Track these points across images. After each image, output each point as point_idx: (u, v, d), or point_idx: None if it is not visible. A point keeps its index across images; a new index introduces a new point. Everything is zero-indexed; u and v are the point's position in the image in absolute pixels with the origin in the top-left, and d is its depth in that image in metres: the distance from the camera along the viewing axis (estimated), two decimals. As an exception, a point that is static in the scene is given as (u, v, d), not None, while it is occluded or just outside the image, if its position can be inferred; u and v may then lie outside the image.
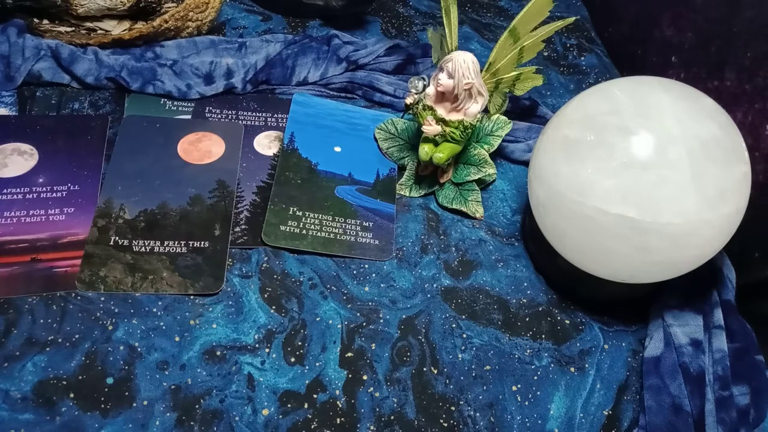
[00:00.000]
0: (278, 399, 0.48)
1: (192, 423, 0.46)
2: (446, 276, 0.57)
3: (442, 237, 0.60)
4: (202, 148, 0.61)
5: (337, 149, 0.64)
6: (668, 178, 0.47)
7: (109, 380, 0.46)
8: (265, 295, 0.53)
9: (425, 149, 0.59)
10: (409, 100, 0.60)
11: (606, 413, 0.53)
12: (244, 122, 0.65)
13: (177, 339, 0.49)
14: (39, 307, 0.48)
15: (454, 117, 0.57)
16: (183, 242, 0.54)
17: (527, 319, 0.56)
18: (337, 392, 0.49)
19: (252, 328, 0.51)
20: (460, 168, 0.63)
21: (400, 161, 0.65)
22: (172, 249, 0.53)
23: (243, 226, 0.56)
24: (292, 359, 0.50)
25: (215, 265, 0.53)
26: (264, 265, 0.54)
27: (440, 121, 0.58)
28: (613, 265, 0.52)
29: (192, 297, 0.51)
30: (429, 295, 0.56)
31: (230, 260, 0.54)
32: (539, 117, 0.72)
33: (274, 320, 0.51)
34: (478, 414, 0.50)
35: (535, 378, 0.53)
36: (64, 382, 0.45)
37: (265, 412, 0.47)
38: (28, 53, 0.62)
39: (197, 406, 0.46)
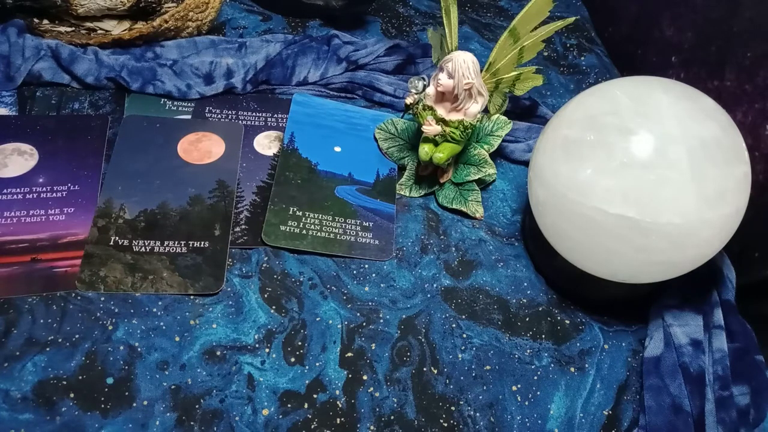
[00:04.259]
0: (278, 399, 0.48)
1: (192, 423, 0.46)
2: (446, 276, 0.57)
3: (442, 237, 0.60)
4: (202, 148, 0.61)
5: (337, 149, 0.64)
6: (668, 178, 0.47)
7: (109, 380, 0.46)
8: (265, 295, 0.53)
9: (425, 149, 0.59)
10: (409, 100, 0.60)
11: (606, 413, 0.53)
12: (244, 122, 0.65)
13: (177, 339, 0.49)
14: (39, 307, 0.48)
15: (454, 117, 0.57)
16: (183, 242, 0.54)
17: (527, 319, 0.56)
18: (337, 392, 0.49)
19: (252, 328, 0.51)
20: (460, 168, 0.63)
21: (400, 161, 0.65)
22: (172, 249, 0.53)
23: (243, 226, 0.56)
24: (292, 359, 0.50)
25: (215, 265, 0.53)
26: (264, 265, 0.54)
27: (440, 121, 0.58)
28: (613, 265, 0.52)
29: (192, 297, 0.51)
30: (429, 295, 0.56)
31: (230, 260, 0.54)
32: (539, 117, 0.72)
33: (274, 320, 0.51)
34: (478, 414, 0.50)
35: (535, 378, 0.53)
36: (64, 382, 0.45)
37: (265, 412, 0.47)
38: (28, 53, 0.62)
39: (197, 406, 0.46)
